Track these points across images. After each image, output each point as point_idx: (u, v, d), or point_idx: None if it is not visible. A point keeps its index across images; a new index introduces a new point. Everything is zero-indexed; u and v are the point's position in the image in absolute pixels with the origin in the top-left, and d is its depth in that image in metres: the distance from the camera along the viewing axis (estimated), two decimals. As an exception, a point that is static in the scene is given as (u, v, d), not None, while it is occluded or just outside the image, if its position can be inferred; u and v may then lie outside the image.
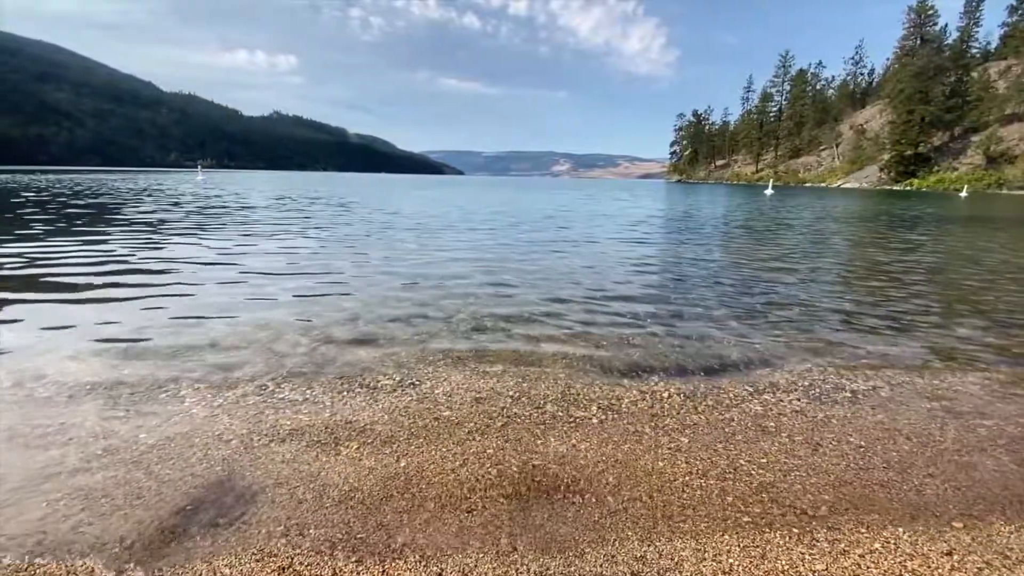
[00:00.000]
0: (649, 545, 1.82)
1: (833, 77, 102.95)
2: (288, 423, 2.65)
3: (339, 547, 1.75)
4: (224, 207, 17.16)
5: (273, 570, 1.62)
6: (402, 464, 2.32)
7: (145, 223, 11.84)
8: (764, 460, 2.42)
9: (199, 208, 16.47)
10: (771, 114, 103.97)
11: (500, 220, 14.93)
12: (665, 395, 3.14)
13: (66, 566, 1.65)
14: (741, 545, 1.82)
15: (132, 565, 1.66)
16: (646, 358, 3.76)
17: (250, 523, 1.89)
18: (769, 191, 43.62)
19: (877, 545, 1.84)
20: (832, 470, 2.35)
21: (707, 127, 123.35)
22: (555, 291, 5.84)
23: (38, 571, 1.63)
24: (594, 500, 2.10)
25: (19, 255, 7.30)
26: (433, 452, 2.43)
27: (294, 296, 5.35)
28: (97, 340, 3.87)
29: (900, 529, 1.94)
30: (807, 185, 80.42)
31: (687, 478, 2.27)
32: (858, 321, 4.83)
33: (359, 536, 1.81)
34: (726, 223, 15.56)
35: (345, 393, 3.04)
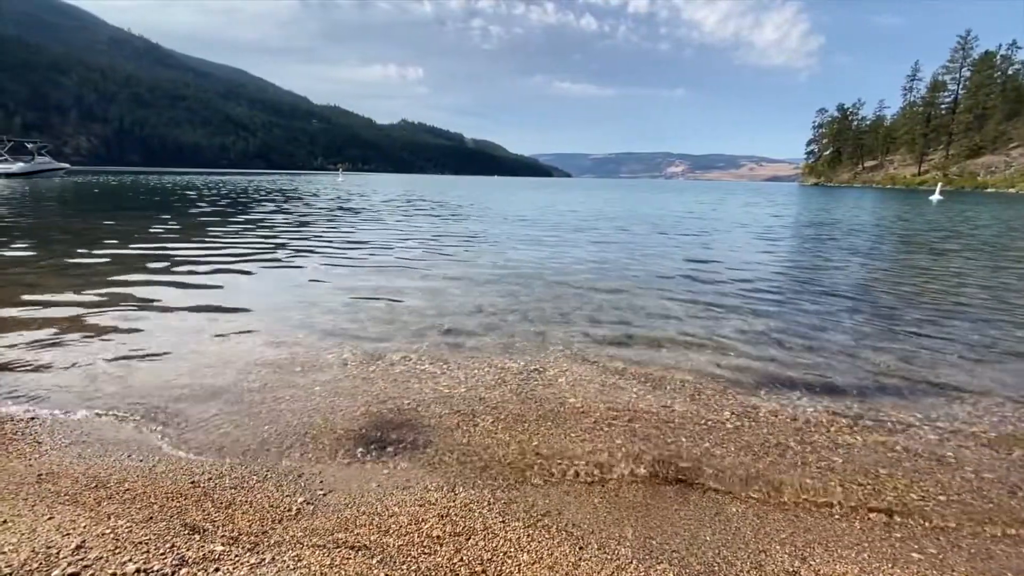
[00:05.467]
0: (802, 563, 1.69)
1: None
2: (431, 392, 2.93)
3: (485, 506, 1.91)
4: (361, 207, 19.24)
5: (433, 515, 1.82)
6: (534, 443, 2.44)
7: (293, 219, 13.77)
8: (943, 496, 2.10)
9: (344, 207, 18.68)
10: (943, 106, 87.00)
11: (621, 223, 14.68)
12: (810, 410, 2.87)
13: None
14: (918, 581, 1.62)
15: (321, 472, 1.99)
16: (784, 370, 3.46)
17: (408, 472, 2.15)
18: (936, 197, 36.51)
19: (1111, 616, 1.51)
20: (1040, 520, 1.97)
21: (855, 123, 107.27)
22: (680, 296, 5.61)
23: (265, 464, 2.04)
24: (735, 508, 2.00)
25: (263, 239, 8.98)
26: (562, 436, 2.51)
27: (426, 286, 5.85)
28: (275, 316, 4.64)
29: None
30: (989, 191, 66.13)
31: (842, 501, 2.06)
32: (1072, 353, 3.91)
33: (502, 500, 1.96)
34: (883, 232, 13.51)
35: (477, 371, 3.27)
